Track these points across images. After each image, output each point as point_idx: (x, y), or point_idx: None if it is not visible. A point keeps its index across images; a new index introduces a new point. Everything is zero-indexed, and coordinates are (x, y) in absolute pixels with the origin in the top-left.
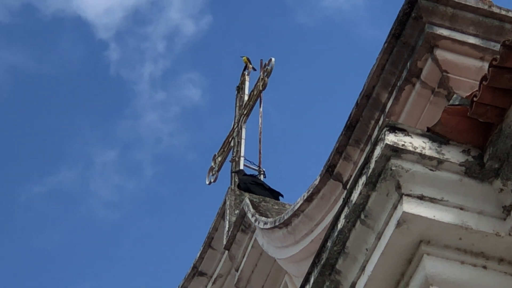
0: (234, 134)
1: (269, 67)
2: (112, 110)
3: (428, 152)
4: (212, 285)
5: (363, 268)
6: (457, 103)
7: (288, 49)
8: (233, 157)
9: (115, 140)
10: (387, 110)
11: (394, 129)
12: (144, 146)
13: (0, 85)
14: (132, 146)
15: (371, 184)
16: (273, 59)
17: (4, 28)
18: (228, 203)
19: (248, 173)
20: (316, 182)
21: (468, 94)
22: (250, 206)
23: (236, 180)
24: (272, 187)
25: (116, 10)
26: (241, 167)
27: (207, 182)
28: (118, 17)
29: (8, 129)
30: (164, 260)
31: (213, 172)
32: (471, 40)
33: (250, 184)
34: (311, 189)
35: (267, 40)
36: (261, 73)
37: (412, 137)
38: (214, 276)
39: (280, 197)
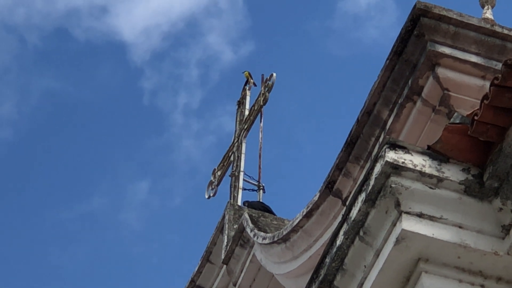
0: (234, 149)
1: (270, 82)
2: (145, 138)
3: (428, 170)
4: None
5: (361, 285)
6: (457, 121)
7: (310, 74)
8: (233, 171)
9: (148, 169)
10: (387, 127)
11: (394, 146)
12: (177, 175)
13: (35, 110)
14: (165, 175)
15: (371, 201)
16: (274, 74)
17: (38, 52)
18: (227, 217)
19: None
20: (316, 198)
21: (469, 112)
22: (249, 221)
23: (235, 194)
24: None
25: (153, 32)
26: (241, 182)
27: (206, 196)
28: (155, 39)
29: (42, 154)
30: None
31: (213, 186)
32: (473, 58)
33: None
34: (310, 205)
35: (301, 70)
36: (262, 88)
37: (412, 155)
38: None
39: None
